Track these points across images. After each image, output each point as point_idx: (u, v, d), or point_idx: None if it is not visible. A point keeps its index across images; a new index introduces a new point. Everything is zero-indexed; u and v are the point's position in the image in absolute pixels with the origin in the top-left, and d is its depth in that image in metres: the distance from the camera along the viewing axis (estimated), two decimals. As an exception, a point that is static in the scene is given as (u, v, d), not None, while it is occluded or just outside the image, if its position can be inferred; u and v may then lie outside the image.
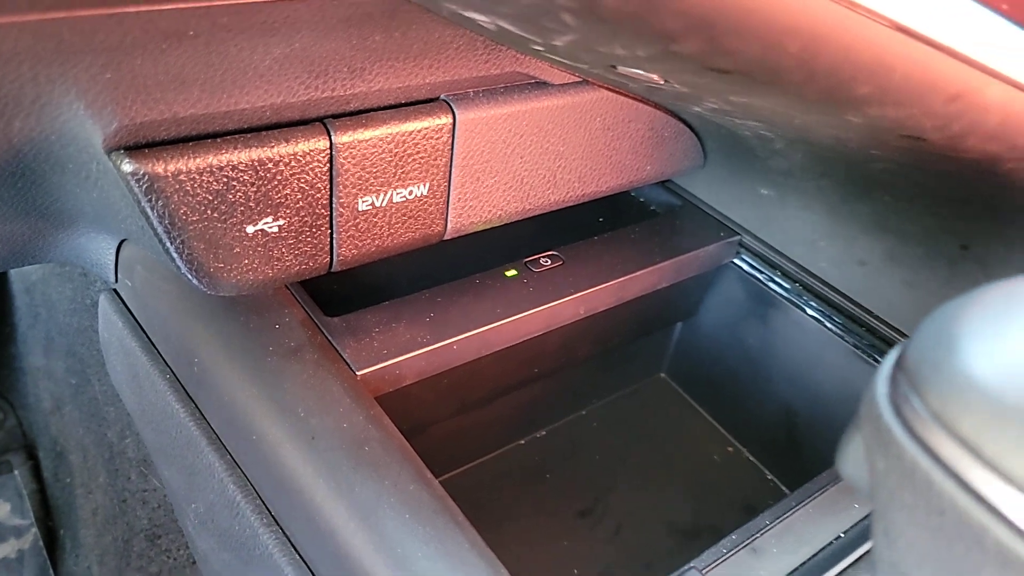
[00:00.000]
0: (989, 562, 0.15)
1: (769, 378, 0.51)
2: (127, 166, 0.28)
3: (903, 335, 0.44)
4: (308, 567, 0.32)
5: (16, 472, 0.85)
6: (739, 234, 0.50)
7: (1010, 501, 0.15)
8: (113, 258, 0.41)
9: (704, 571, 0.31)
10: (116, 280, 0.42)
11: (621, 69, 0.31)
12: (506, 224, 0.43)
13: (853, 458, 0.20)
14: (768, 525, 0.33)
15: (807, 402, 0.49)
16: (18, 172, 0.31)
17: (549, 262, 0.45)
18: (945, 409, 0.16)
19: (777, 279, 0.49)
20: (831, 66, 0.23)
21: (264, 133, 0.32)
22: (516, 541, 0.47)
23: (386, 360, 0.36)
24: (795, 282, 0.48)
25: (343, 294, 0.41)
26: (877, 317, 0.45)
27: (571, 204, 0.45)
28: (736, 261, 0.51)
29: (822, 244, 0.46)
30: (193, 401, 0.37)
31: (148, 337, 0.39)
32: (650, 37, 0.23)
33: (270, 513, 0.33)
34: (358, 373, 0.35)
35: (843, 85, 0.25)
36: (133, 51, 0.27)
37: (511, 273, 0.43)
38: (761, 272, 0.50)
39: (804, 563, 0.32)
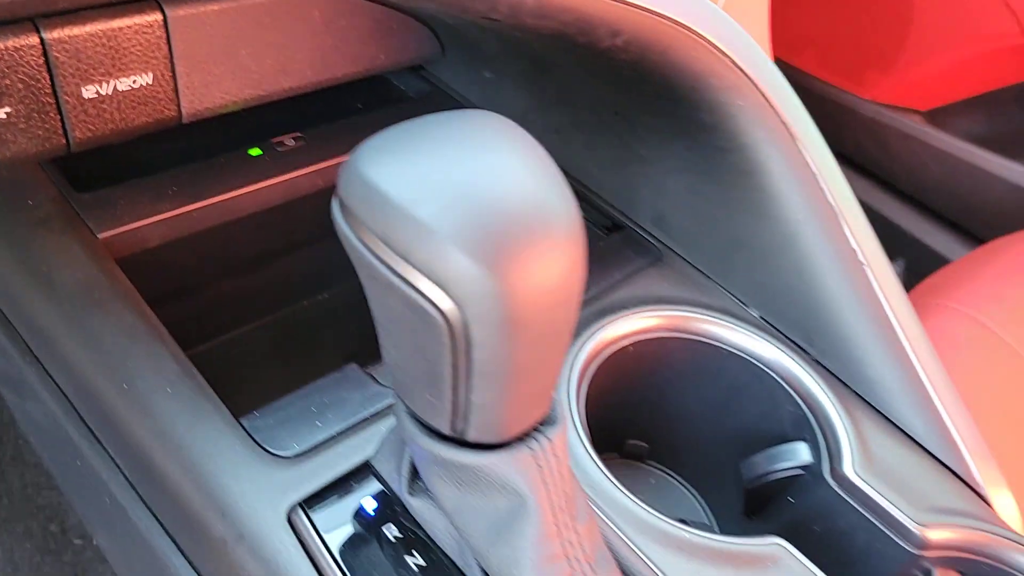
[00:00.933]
0: (401, 303, 0.24)
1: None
2: None
3: (587, 188, 0.54)
4: (77, 412, 0.40)
5: None
6: (473, 113, 0.58)
7: (401, 264, 0.23)
8: None
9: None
10: None
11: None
12: (262, 109, 0.50)
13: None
14: None
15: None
16: None
17: (293, 142, 0.52)
18: (359, 211, 0.24)
19: None
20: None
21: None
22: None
23: (127, 224, 0.44)
24: None
25: (96, 174, 0.48)
26: (568, 174, 0.54)
27: (309, 90, 0.51)
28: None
29: (531, 117, 0.55)
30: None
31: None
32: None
33: (36, 359, 0.41)
34: (99, 236, 0.43)
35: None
36: None
37: (255, 152, 0.51)
38: None
39: None
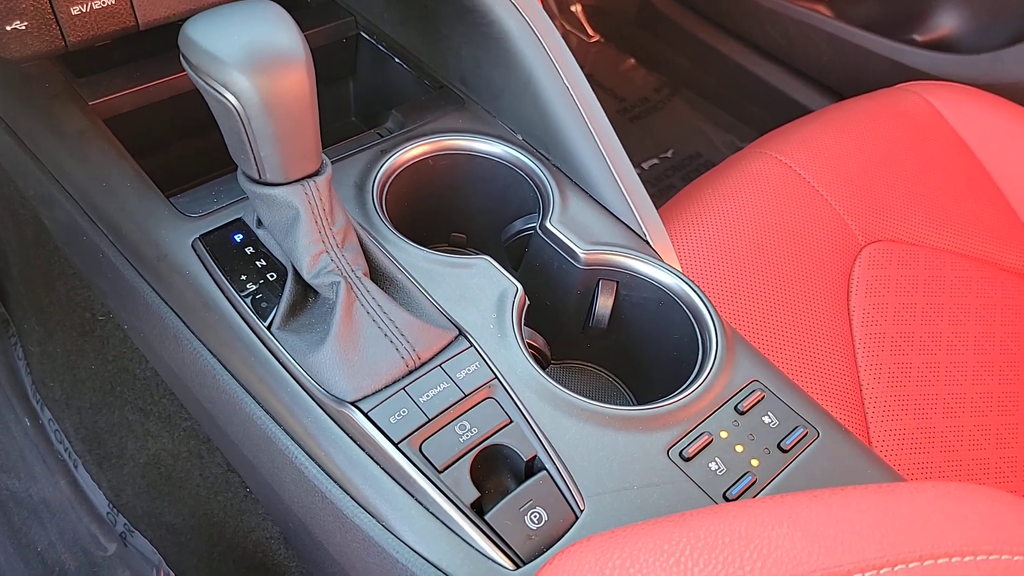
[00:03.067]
0: (217, 103, 0.47)
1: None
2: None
3: (421, 60, 0.76)
4: (81, 208, 0.65)
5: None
6: (353, 16, 0.81)
7: (210, 80, 0.47)
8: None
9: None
10: None
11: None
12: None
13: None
14: None
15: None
16: None
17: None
18: (187, 54, 0.48)
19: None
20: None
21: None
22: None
23: (108, 96, 0.68)
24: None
25: (88, 65, 0.72)
26: (410, 51, 0.77)
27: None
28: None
29: (386, 11, 0.77)
30: (16, 134, 0.69)
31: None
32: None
33: (54, 178, 0.67)
34: (90, 103, 0.67)
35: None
36: None
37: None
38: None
39: None
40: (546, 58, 0.64)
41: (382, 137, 0.69)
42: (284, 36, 0.48)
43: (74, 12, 0.65)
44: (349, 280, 0.51)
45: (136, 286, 0.61)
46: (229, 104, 0.47)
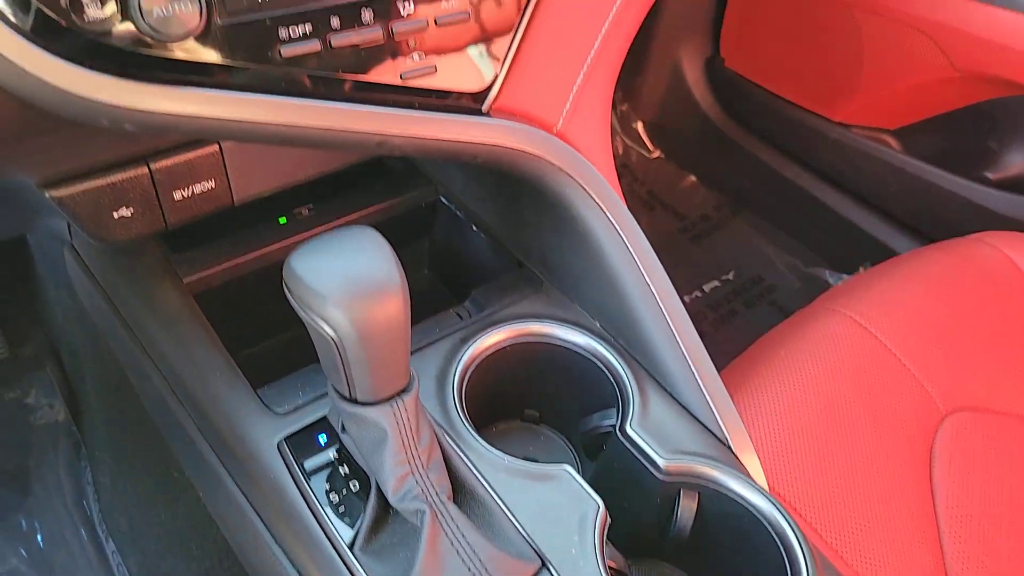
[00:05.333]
0: (316, 333, 0.49)
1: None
2: (47, 194, 0.62)
3: (500, 238, 0.78)
4: (169, 386, 0.67)
5: (47, 368, 1.23)
6: (435, 184, 0.83)
7: (311, 313, 0.48)
8: (66, 226, 0.76)
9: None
10: (71, 238, 0.77)
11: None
12: (287, 191, 0.76)
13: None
14: None
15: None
16: None
17: (308, 212, 0.79)
18: (291, 286, 0.49)
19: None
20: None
21: (117, 165, 0.65)
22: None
23: (200, 272, 0.71)
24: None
25: (184, 240, 0.75)
26: (490, 229, 0.78)
27: (317, 178, 0.77)
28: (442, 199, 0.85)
29: (469, 187, 0.79)
30: (113, 303, 0.72)
31: (92, 273, 0.74)
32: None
33: (147, 354, 0.69)
34: (184, 280, 0.70)
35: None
36: (53, 149, 0.60)
37: (282, 220, 0.77)
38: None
39: None
40: (629, 257, 0.65)
41: (461, 319, 0.70)
42: (382, 268, 0.49)
43: (176, 197, 0.69)
44: (434, 508, 0.51)
45: (219, 476, 0.62)
46: (327, 335, 0.48)
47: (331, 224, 0.78)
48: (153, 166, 0.66)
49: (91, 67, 0.45)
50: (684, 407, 0.64)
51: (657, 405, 0.63)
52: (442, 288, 0.90)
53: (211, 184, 0.70)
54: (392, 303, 0.48)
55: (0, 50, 0.42)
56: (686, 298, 1.48)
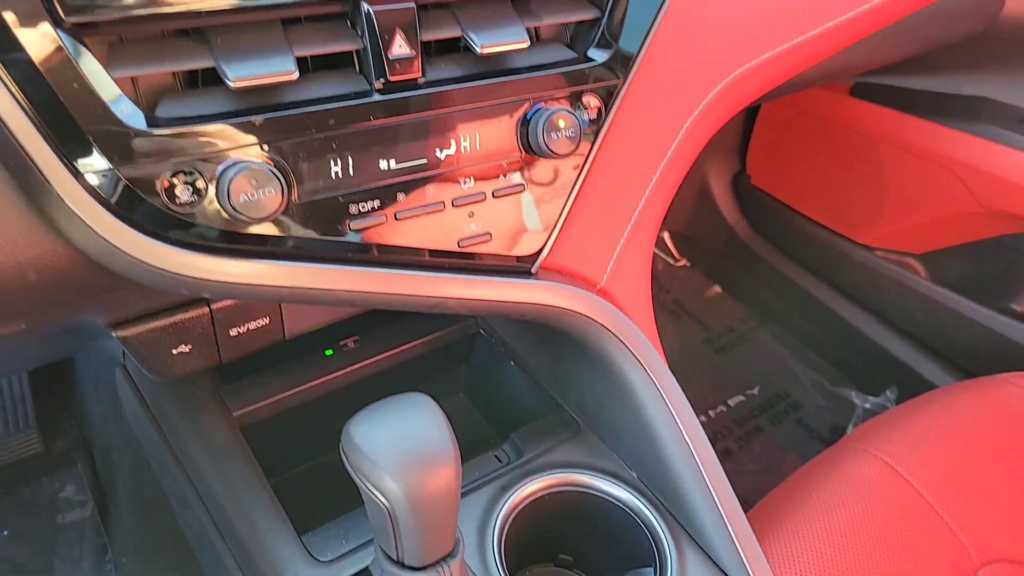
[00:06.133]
0: (369, 498, 0.51)
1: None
2: (113, 333, 0.65)
3: (543, 383, 0.80)
4: (211, 518, 0.69)
5: (79, 465, 1.25)
6: (475, 319, 0.86)
7: (366, 481, 0.50)
8: (120, 350, 0.79)
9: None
10: (124, 359, 0.80)
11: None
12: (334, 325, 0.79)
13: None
14: None
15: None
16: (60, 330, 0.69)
17: (353, 344, 0.81)
18: (348, 453, 0.52)
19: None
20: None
21: (180, 306, 0.68)
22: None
23: (249, 407, 0.73)
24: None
25: (235, 372, 0.78)
26: (538, 376, 0.81)
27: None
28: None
29: (524, 338, 0.82)
30: (162, 430, 0.75)
31: (143, 395, 0.77)
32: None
33: (192, 484, 0.71)
34: (234, 413, 0.72)
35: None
36: (128, 297, 0.64)
37: (328, 352, 0.80)
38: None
39: None
40: (669, 415, 0.66)
41: (500, 462, 0.72)
42: (437, 440, 0.51)
43: (232, 334, 0.72)
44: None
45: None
46: (380, 503, 0.50)
47: (376, 358, 0.81)
48: (214, 307, 0.69)
49: (177, 244, 0.48)
50: (718, 565, 0.64)
51: (694, 567, 0.64)
52: (477, 416, 0.92)
53: (265, 321, 0.73)
54: (445, 475, 0.50)
55: (96, 229, 0.46)
56: (711, 412, 1.49)
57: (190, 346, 0.70)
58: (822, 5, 0.76)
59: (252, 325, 0.72)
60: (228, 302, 0.70)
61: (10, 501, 1.21)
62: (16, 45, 0.41)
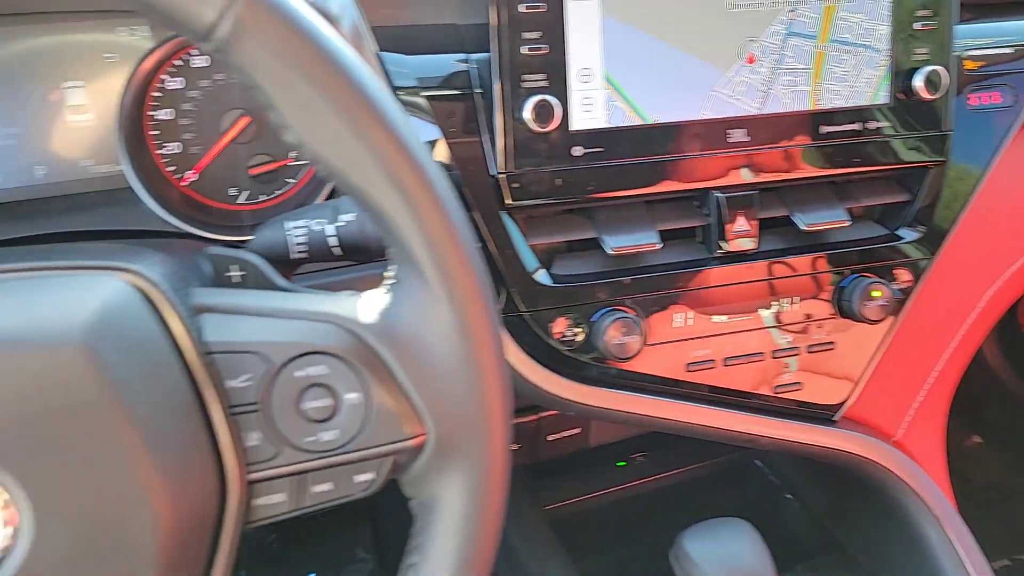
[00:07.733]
0: None
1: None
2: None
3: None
4: None
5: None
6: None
7: None
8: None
9: None
10: None
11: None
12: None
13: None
14: None
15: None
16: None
17: (641, 458, 0.92)
18: (682, 564, 0.61)
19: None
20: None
21: (518, 414, 0.83)
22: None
23: (559, 501, 0.86)
24: None
25: (545, 468, 0.91)
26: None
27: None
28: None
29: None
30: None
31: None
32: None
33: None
34: (543, 508, 0.85)
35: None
36: None
37: (621, 463, 0.91)
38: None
39: None
40: (964, 573, 0.69)
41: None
42: (758, 562, 0.59)
43: (549, 438, 0.85)
44: None
45: None
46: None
47: (661, 475, 0.91)
48: (543, 415, 0.83)
49: (567, 376, 0.62)
50: None
51: None
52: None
53: (577, 431, 0.86)
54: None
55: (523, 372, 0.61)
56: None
57: (518, 445, 0.84)
58: None
59: (566, 433, 0.86)
60: (551, 412, 0.84)
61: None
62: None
